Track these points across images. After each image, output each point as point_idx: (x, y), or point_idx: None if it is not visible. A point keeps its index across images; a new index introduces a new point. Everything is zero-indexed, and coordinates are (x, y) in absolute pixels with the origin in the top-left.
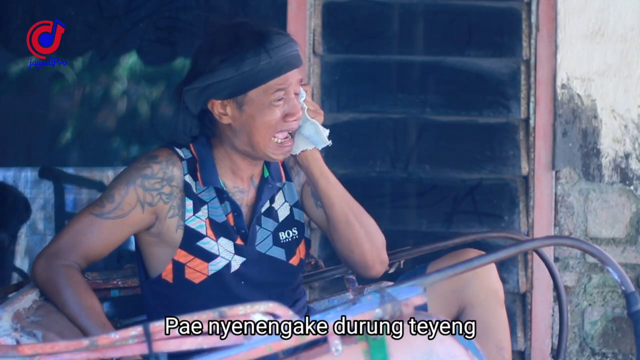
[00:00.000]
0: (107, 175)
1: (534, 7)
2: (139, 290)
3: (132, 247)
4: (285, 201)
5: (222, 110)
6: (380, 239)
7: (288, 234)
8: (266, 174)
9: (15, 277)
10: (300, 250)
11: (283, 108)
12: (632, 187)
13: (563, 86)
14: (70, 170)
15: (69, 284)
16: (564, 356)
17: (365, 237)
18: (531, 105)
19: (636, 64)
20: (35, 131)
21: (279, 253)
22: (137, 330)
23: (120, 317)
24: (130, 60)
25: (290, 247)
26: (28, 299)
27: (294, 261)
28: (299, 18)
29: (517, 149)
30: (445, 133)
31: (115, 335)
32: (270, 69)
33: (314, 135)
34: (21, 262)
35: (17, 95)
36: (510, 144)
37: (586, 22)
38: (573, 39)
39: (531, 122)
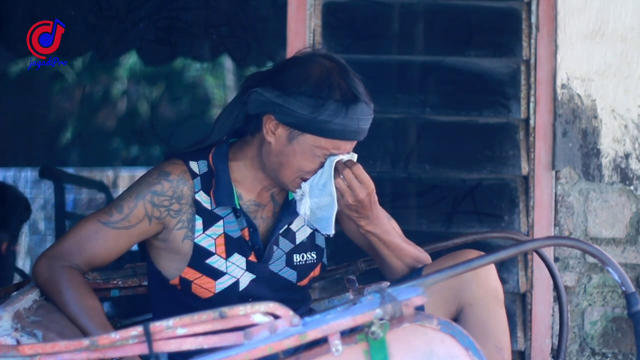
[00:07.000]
0: (107, 175)
1: (534, 7)
2: (139, 290)
3: (133, 247)
4: (305, 225)
5: (272, 128)
6: (411, 260)
7: (303, 257)
8: (291, 196)
9: (16, 277)
10: (314, 272)
11: (319, 162)
12: (632, 187)
13: (563, 86)
14: (70, 170)
15: (71, 284)
16: (564, 356)
17: (407, 268)
18: (531, 105)
19: (636, 64)
20: (35, 131)
21: (290, 275)
22: (137, 330)
23: (120, 317)
24: (130, 60)
25: (303, 270)
26: (28, 298)
27: (304, 282)
28: (299, 18)
29: (517, 149)
30: (445, 133)
31: (116, 335)
32: (338, 131)
33: (324, 220)
34: (21, 262)
35: (17, 95)
36: (510, 144)
37: (586, 22)
38: (573, 39)
39: (531, 122)
